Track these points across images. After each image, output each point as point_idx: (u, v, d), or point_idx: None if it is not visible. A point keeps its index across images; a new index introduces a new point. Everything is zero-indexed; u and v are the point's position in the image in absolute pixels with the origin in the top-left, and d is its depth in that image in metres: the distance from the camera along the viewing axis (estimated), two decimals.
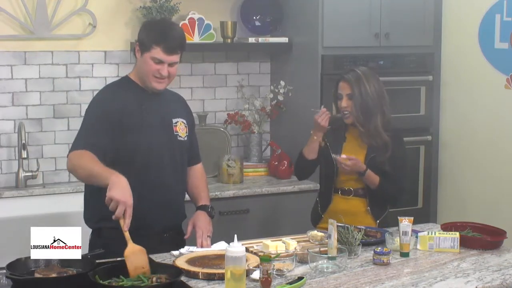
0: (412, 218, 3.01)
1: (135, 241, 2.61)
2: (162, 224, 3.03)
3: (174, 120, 3.08)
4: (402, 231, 2.93)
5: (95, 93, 3.19)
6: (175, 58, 2.95)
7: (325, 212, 3.42)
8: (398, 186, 3.42)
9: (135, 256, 2.54)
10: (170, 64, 2.94)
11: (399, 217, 3.01)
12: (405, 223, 2.95)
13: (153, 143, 2.99)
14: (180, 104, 3.21)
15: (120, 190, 2.62)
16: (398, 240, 2.95)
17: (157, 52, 2.91)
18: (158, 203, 2.99)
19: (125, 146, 2.92)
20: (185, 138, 3.11)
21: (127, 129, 2.93)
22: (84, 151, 2.83)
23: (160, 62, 2.92)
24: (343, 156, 3.30)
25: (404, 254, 2.92)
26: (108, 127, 2.90)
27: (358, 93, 3.32)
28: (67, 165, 2.90)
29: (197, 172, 3.27)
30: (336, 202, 3.42)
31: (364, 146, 3.41)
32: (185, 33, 3.10)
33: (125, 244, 2.58)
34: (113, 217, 2.61)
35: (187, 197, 3.23)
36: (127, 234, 2.59)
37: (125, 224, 2.60)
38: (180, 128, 3.09)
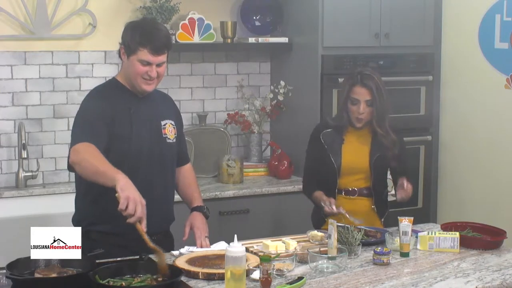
0: (412, 218, 3.02)
1: (125, 244, 2.60)
2: (151, 227, 3.01)
3: (162, 123, 3.05)
4: (402, 231, 2.93)
5: None
6: (162, 58, 2.91)
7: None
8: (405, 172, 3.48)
9: (161, 255, 2.55)
10: (158, 65, 2.91)
11: (399, 217, 3.02)
12: (405, 223, 2.96)
13: (143, 147, 2.96)
14: (168, 105, 3.18)
15: (133, 190, 2.58)
16: (398, 240, 2.95)
17: (144, 54, 2.87)
18: (147, 206, 2.97)
19: (115, 149, 2.89)
20: (174, 140, 3.09)
21: (117, 132, 2.90)
22: (88, 144, 2.76)
23: (148, 63, 2.88)
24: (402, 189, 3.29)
25: (404, 254, 2.92)
26: (105, 126, 2.87)
27: (379, 100, 3.33)
28: (71, 157, 2.80)
29: (187, 172, 3.26)
30: (340, 203, 3.39)
31: (364, 147, 3.41)
32: (169, 32, 3.04)
33: (113, 247, 2.57)
34: (133, 219, 2.55)
35: (177, 198, 3.22)
36: (146, 237, 2.56)
37: (143, 224, 2.56)
38: (169, 130, 3.07)
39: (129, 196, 2.55)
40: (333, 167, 3.39)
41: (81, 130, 2.86)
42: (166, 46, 2.93)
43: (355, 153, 3.41)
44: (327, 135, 3.44)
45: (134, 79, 2.93)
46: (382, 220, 3.45)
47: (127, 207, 2.55)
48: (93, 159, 2.72)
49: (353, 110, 3.35)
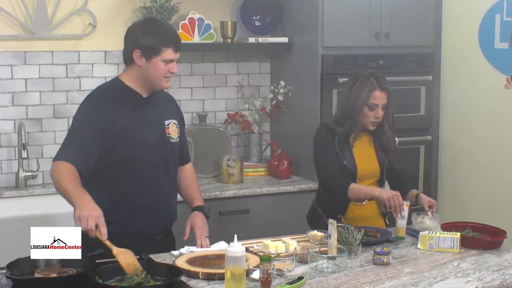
0: (408, 203, 3.12)
1: (128, 244, 2.61)
2: (155, 227, 3.03)
3: (166, 122, 3.06)
4: (400, 215, 3.02)
5: None
6: (179, 54, 2.99)
7: (340, 221, 3.38)
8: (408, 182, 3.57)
9: (124, 254, 2.56)
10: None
11: None
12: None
13: (147, 147, 2.97)
14: (170, 104, 3.19)
15: (85, 207, 2.63)
16: (425, 219, 3.08)
17: (169, 53, 2.92)
18: (151, 206, 2.99)
19: (118, 150, 2.90)
20: (177, 140, 3.10)
21: (120, 134, 2.90)
22: (65, 163, 2.81)
23: (170, 61, 2.94)
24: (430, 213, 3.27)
25: (399, 238, 2.99)
26: (97, 138, 2.87)
27: (393, 102, 3.36)
28: (50, 171, 2.88)
29: (188, 171, 3.27)
30: (350, 210, 3.39)
31: (371, 150, 3.43)
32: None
33: (118, 246, 2.59)
34: (90, 234, 2.60)
35: (178, 197, 3.23)
36: (107, 243, 2.59)
37: (102, 234, 2.60)
38: (172, 129, 3.08)
39: (79, 215, 2.62)
40: (349, 173, 3.36)
41: (66, 147, 2.89)
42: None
43: (366, 158, 3.42)
44: (339, 141, 3.38)
45: (156, 80, 2.95)
46: (386, 220, 3.48)
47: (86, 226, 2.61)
48: (64, 182, 2.78)
49: (370, 115, 3.32)
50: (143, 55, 2.92)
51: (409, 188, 3.46)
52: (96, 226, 2.60)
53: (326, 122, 3.47)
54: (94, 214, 2.61)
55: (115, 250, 2.58)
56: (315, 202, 3.56)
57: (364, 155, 3.41)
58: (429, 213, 3.21)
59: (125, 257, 2.55)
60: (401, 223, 3.00)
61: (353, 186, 3.29)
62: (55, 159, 2.87)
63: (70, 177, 2.78)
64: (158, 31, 2.94)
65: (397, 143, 3.52)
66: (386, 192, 3.21)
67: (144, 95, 3.00)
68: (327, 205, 3.45)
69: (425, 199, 3.31)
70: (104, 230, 2.61)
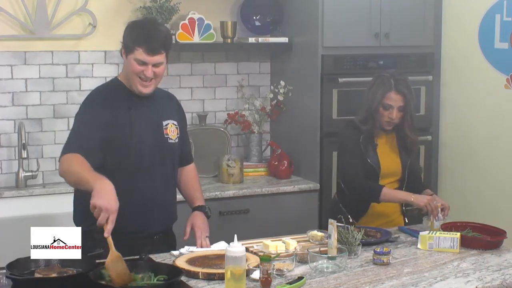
0: (440, 204, 3.29)
1: (127, 244, 2.61)
2: (154, 227, 3.02)
3: (164, 123, 3.04)
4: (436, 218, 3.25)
5: None
6: (158, 58, 2.89)
7: (362, 217, 3.43)
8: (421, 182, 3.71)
9: (114, 264, 2.50)
10: (155, 65, 2.89)
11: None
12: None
13: (143, 147, 2.95)
14: (171, 104, 3.16)
15: (104, 196, 2.57)
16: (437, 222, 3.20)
17: (140, 54, 2.86)
18: (148, 206, 2.98)
19: (115, 150, 2.90)
20: (176, 140, 3.08)
21: (117, 133, 2.90)
22: (76, 154, 2.80)
23: (143, 63, 2.88)
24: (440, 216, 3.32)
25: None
26: (99, 132, 2.87)
27: (412, 105, 3.41)
28: (59, 170, 2.86)
29: (190, 172, 3.26)
30: (373, 206, 3.45)
31: (394, 149, 3.49)
32: (170, 32, 3.04)
33: (117, 245, 2.58)
34: (97, 224, 2.56)
35: (179, 197, 3.23)
36: (109, 240, 2.55)
37: (106, 230, 2.54)
38: (171, 130, 3.06)
39: (96, 202, 2.56)
40: (373, 171, 3.42)
41: (71, 141, 2.89)
42: (163, 46, 2.91)
43: (389, 157, 3.48)
44: (364, 139, 3.44)
45: (131, 79, 2.93)
46: (406, 219, 3.56)
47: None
48: (77, 167, 2.76)
49: (385, 115, 3.40)
50: (124, 51, 2.94)
51: (422, 188, 3.58)
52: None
53: (352, 120, 3.50)
54: (111, 209, 2.55)
55: (108, 258, 2.49)
56: (337, 198, 3.62)
57: (387, 154, 3.48)
58: (440, 215, 3.25)
59: (116, 267, 2.48)
60: (437, 224, 3.16)
61: (386, 191, 3.37)
62: (61, 154, 2.85)
63: (81, 164, 2.75)
64: (137, 30, 2.92)
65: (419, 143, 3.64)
66: (421, 199, 3.31)
67: (140, 95, 2.99)
68: (350, 201, 3.50)
69: (438, 201, 3.34)
70: (109, 227, 2.55)
